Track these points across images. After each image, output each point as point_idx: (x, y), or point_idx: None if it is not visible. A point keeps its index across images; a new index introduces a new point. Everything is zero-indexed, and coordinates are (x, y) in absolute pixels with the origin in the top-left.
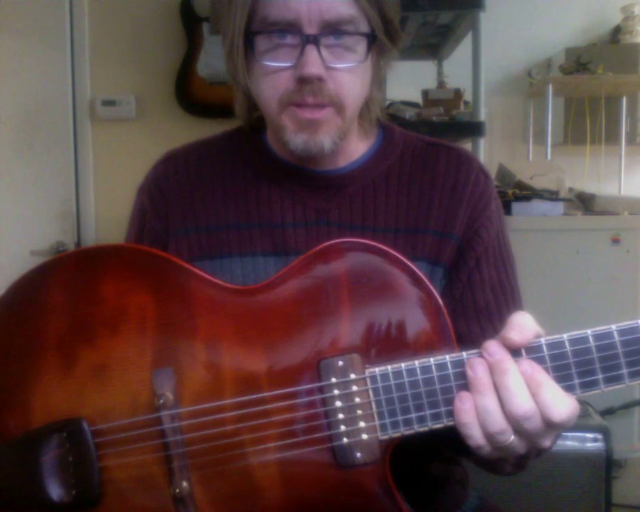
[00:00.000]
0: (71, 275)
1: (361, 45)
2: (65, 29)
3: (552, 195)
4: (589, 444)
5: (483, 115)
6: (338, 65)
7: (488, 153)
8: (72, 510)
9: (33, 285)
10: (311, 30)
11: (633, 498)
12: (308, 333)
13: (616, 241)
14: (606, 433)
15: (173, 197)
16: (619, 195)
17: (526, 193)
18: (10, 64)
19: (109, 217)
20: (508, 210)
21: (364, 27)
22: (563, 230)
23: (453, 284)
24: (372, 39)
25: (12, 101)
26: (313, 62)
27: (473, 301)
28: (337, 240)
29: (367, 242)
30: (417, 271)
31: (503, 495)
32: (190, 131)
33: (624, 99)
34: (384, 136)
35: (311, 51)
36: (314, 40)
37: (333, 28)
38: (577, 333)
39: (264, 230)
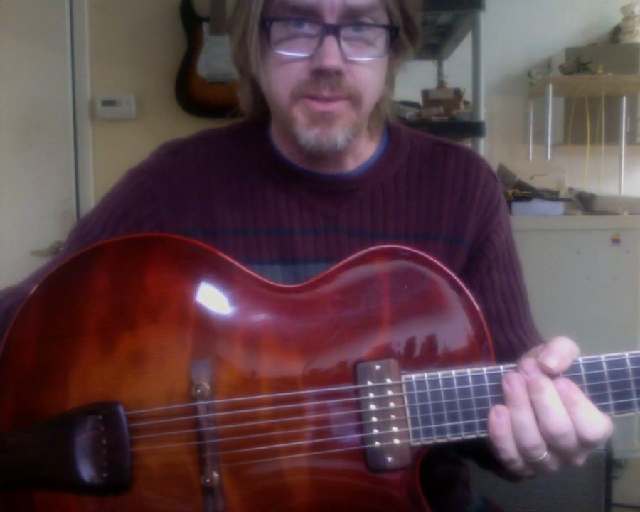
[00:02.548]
0: (116, 262)
1: (381, 39)
2: (65, 29)
3: (552, 195)
4: None
5: (483, 115)
6: (357, 59)
7: (488, 153)
8: (103, 492)
9: (78, 269)
10: (331, 19)
11: (633, 498)
12: (346, 336)
13: (616, 241)
14: None
15: (182, 195)
16: (619, 195)
17: (526, 193)
18: (10, 64)
19: None
20: (508, 210)
21: (384, 20)
22: (563, 230)
23: None
24: (393, 33)
25: (12, 101)
26: (333, 54)
27: (485, 307)
28: (381, 247)
29: (410, 249)
30: (459, 282)
31: (504, 495)
32: (190, 131)
33: (624, 99)
34: (390, 137)
35: (330, 42)
36: (334, 31)
37: (354, 18)
38: (614, 354)
39: (272, 237)
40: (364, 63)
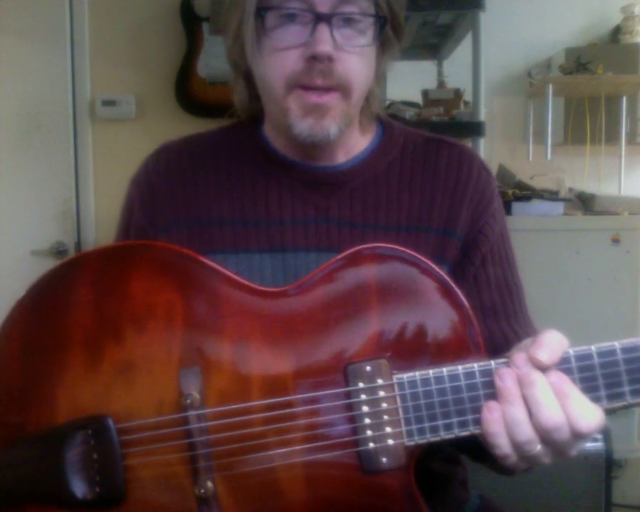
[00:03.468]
0: (99, 271)
1: (370, 30)
2: (65, 29)
3: (552, 195)
4: (589, 444)
5: (483, 115)
6: (348, 47)
7: (488, 153)
8: (96, 507)
9: (61, 280)
10: (324, 8)
11: (633, 498)
12: (336, 337)
13: (616, 241)
14: (606, 433)
15: (162, 191)
16: (619, 195)
17: (526, 193)
18: (10, 64)
19: (109, 217)
20: (508, 210)
21: (373, 12)
22: (563, 230)
23: (458, 284)
24: (382, 22)
25: (12, 101)
26: (325, 41)
27: (480, 300)
28: (368, 245)
29: (398, 247)
30: (448, 279)
31: (503, 494)
32: (190, 131)
33: (624, 99)
34: (384, 132)
35: (322, 29)
36: (327, 19)
37: (345, 7)
38: (604, 345)
39: (261, 227)
40: (354, 52)
